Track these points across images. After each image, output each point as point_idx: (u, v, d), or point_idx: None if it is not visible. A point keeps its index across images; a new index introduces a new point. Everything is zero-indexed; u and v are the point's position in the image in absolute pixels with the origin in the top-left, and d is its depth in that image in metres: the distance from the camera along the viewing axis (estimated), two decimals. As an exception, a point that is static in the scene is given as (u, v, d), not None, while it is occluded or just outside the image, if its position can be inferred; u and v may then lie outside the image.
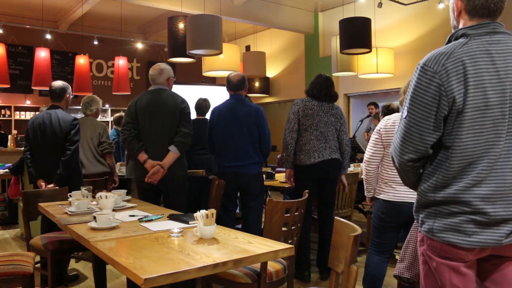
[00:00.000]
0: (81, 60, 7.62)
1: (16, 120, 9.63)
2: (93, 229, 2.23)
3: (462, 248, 1.45)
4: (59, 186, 3.57)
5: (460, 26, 1.56)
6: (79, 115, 5.71)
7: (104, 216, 2.27)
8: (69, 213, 2.67)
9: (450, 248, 1.47)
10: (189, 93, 5.56)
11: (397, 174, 2.77)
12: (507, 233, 1.43)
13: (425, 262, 1.57)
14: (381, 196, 2.88)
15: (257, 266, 2.36)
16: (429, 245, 1.53)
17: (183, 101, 3.42)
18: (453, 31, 1.57)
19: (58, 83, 3.82)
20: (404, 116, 1.53)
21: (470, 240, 1.43)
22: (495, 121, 1.41)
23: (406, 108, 1.52)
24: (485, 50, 1.44)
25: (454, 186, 1.45)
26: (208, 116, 4.82)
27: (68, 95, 3.85)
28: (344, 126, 3.78)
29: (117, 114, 6.29)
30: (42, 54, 7.00)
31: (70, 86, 3.93)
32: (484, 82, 1.41)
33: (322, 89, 3.72)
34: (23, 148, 4.02)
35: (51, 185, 3.60)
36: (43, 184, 3.65)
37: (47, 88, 4.05)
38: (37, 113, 8.19)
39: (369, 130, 7.58)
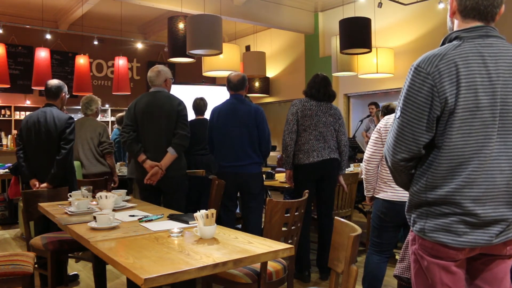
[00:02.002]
0: (81, 60, 7.62)
1: (16, 120, 9.62)
2: (93, 229, 2.23)
3: (453, 247, 1.48)
4: (53, 186, 3.54)
5: (455, 28, 1.59)
6: (79, 115, 5.71)
7: (104, 216, 2.27)
8: (69, 213, 2.68)
9: (440, 248, 1.50)
10: (189, 93, 5.55)
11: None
12: (496, 233, 1.46)
13: (416, 261, 1.60)
14: (381, 196, 2.89)
15: (257, 266, 2.36)
16: (420, 245, 1.55)
17: (180, 103, 3.43)
18: (448, 33, 1.59)
19: (54, 82, 3.78)
20: (397, 116, 1.55)
21: (460, 240, 1.46)
22: (485, 123, 1.44)
23: (399, 108, 1.54)
24: (477, 52, 1.46)
25: (445, 187, 1.47)
26: (207, 115, 4.83)
27: (64, 94, 3.80)
28: (342, 127, 3.78)
29: (120, 114, 6.28)
30: (42, 54, 6.99)
31: (66, 85, 3.89)
32: (476, 83, 1.43)
33: (320, 89, 3.71)
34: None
35: (45, 185, 3.56)
36: (36, 183, 3.59)
37: (47, 88, 4.03)
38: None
39: (367, 130, 7.59)
